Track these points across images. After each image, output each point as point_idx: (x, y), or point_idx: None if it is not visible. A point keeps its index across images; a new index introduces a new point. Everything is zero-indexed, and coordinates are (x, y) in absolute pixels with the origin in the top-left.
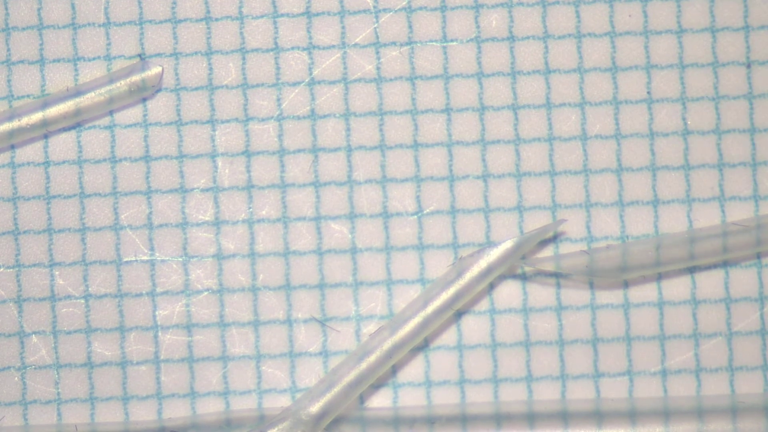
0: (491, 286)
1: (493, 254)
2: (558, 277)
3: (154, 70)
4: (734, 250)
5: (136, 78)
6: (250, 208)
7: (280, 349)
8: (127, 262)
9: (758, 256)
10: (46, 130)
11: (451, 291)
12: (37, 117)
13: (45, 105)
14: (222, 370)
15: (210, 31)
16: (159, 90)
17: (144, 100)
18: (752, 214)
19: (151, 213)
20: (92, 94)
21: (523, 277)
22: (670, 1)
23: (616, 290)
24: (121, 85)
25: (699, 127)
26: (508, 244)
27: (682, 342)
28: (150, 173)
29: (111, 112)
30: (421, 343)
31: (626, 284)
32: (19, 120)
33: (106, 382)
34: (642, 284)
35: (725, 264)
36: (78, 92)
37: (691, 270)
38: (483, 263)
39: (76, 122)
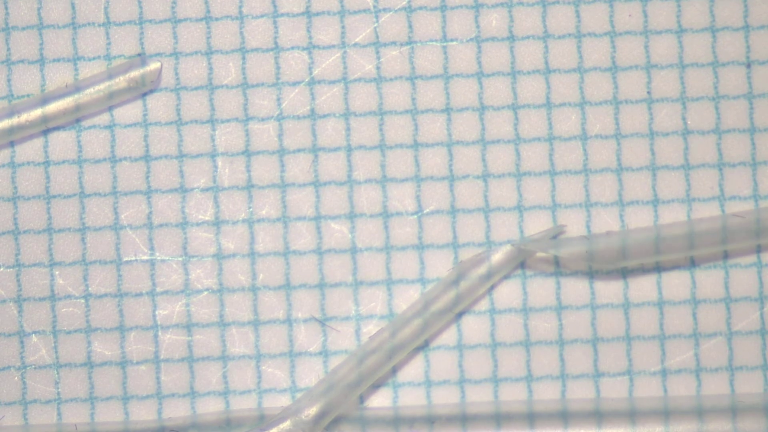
0: (491, 285)
1: (494, 259)
2: (557, 265)
3: (153, 66)
4: (734, 240)
5: (135, 74)
6: (250, 207)
7: (280, 349)
8: (127, 261)
9: (758, 248)
10: (45, 127)
11: (451, 294)
12: (36, 114)
13: (44, 101)
14: (222, 370)
15: (210, 30)
16: (158, 88)
17: (143, 96)
18: None
19: (151, 213)
20: (91, 90)
21: (523, 277)
22: (670, 1)
23: (615, 289)
24: (120, 81)
25: (699, 127)
26: (508, 249)
27: (682, 341)
28: (150, 173)
29: (111, 112)
30: (420, 343)
31: (626, 282)
32: (18, 117)
33: (106, 382)
34: (642, 283)
35: (725, 263)
36: (77, 88)
37: (691, 269)
38: (483, 268)
39: (75, 118)
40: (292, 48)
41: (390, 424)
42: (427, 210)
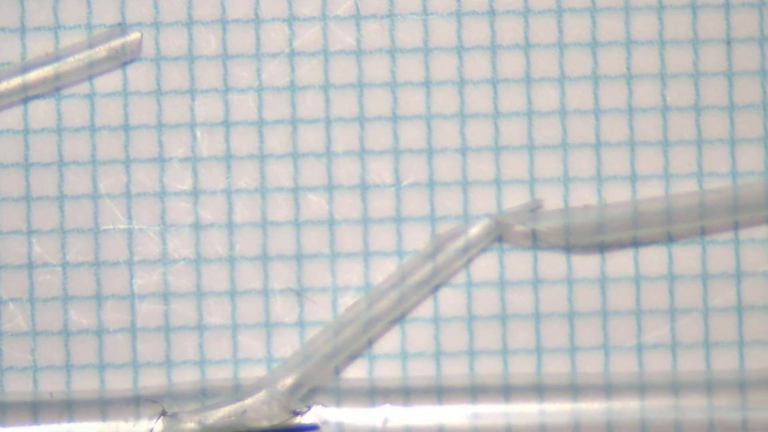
0: (468, 259)
1: (471, 232)
2: (534, 239)
3: (134, 36)
4: (712, 216)
5: (115, 43)
6: (228, 178)
7: (256, 319)
8: (104, 230)
9: (735, 225)
10: (25, 95)
11: (428, 267)
12: (16, 82)
13: (24, 70)
14: (198, 340)
15: (191, 1)
16: (138, 58)
17: (123, 65)
18: None
19: (129, 182)
20: (71, 59)
21: (500, 250)
22: None
23: (592, 264)
24: (101, 50)
25: (678, 104)
26: (485, 222)
27: (658, 317)
28: (129, 142)
29: (91, 81)
30: (397, 315)
31: (603, 257)
32: None
33: (83, 350)
34: (619, 258)
35: (702, 239)
36: (57, 57)
37: (669, 244)
38: (460, 242)
39: (55, 87)
40: (273, 20)
41: (365, 396)
42: (405, 183)
